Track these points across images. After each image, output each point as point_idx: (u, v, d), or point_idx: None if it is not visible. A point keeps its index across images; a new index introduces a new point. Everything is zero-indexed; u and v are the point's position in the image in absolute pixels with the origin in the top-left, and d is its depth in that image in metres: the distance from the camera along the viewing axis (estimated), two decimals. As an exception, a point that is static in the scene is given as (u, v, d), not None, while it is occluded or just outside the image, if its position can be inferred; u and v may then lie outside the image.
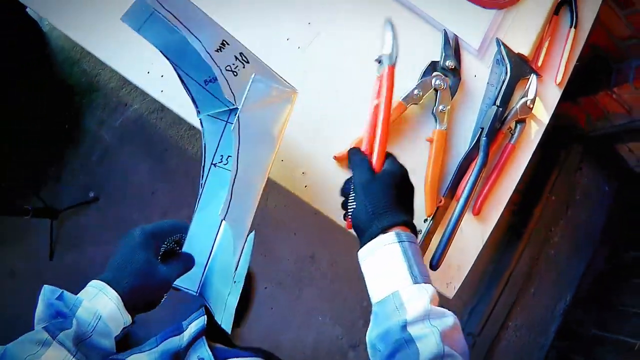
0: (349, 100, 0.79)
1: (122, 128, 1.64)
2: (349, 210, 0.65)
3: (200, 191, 0.66)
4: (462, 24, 0.84)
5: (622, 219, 1.89)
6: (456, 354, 0.51)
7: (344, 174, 0.77)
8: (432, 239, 0.78)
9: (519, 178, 0.84)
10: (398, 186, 0.64)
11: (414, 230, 0.62)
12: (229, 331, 0.61)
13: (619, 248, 1.83)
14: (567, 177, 1.89)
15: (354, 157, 0.66)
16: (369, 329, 0.59)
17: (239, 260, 0.60)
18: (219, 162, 0.67)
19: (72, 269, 1.57)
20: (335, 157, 0.77)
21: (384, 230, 0.59)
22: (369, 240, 0.60)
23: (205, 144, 0.66)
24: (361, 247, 0.61)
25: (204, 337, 0.71)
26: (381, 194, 0.62)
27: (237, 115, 0.56)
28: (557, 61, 0.90)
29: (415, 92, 0.79)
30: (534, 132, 0.87)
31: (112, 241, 1.53)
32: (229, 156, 0.67)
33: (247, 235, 0.61)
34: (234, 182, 0.56)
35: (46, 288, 0.57)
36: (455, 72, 0.81)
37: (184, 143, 1.67)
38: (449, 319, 0.54)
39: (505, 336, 1.88)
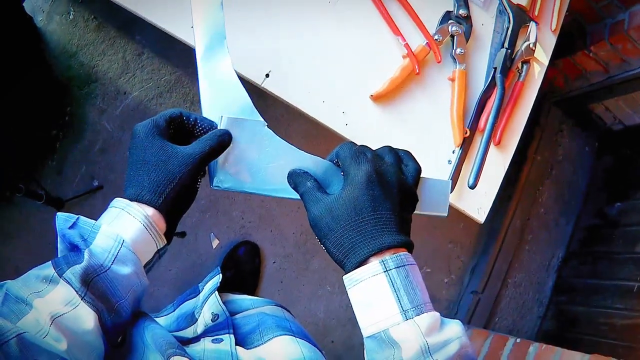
0: (381, 47, 0.88)
1: (122, 116, 1.66)
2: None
3: None
4: (468, -22, 0.94)
5: (604, 176, 2.03)
6: None
7: (380, 111, 0.86)
8: (463, 166, 0.88)
9: (529, 111, 0.95)
10: (368, 195, 0.52)
11: (406, 245, 0.52)
12: None
13: (604, 202, 1.97)
14: (549, 139, 2.02)
15: (298, 180, 0.58)
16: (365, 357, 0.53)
17: None
18: None
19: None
20: (371, 97, 0.86)
21: (364, 262, 0.51)
22: (351, 270, 0.52)
23: None
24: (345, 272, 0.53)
25: (215, 293, 0.73)
26: (348, 219, 0.51)
27: None
28: (550, 11, 1.02)
29: (436, 37, 0.88)
30: (537, 72, 0.98)
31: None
32: None
33: None
34: None
35: (59, 216, 0.50)
36: (467, 20, 0.92)
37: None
38: (453, 345, 0.48)
39: (507, 293, 1.99)
